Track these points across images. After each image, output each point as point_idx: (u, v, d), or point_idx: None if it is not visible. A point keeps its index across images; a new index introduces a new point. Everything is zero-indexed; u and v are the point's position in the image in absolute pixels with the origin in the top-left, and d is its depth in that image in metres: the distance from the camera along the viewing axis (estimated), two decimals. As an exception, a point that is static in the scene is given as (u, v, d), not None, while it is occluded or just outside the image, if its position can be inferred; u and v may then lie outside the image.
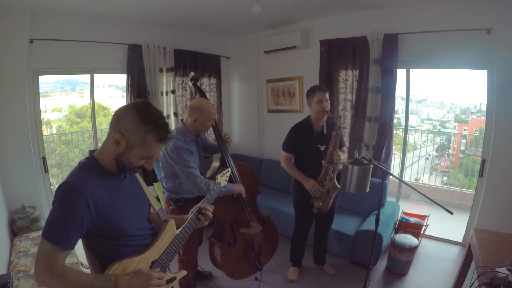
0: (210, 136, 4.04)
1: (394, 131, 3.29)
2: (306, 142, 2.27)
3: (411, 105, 3.66)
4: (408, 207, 3.67)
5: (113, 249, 1.03)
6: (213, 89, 4.26)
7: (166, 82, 3.60)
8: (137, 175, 1.20)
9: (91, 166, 1.01)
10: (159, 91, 3.57)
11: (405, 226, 2.89)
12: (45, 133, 4.61)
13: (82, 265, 2.13)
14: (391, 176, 2.72)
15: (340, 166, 2.00)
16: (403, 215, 3.09)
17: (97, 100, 3.50)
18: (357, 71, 3.17)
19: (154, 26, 3.55)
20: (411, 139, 5.41)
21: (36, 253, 0.92)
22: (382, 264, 2.72)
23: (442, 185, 4.82)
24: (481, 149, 2.93)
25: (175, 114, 3.75)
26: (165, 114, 3.65)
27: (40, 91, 3.06)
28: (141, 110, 0.99)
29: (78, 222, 0.91)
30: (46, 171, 3.06)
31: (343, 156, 2.23)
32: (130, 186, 1.13)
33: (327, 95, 2.21)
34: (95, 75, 3.31)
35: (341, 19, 3.28)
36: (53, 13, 2.86)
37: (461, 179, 4.78)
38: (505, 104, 2.54)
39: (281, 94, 4.01)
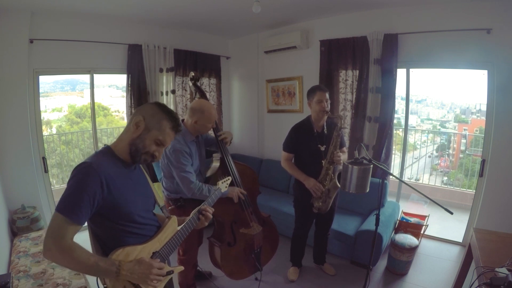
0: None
1: (394, 131, 3.29)
2: (307, 142, 2.27)
3: (411, 105, 3.66)
4: (408, 207, 3.67)
5: (117, 234, 1.09)
6: (213, 89, 4.26)
7: (166, 82, 3.60)
8: (145, 173, 1.29)
9: (106, 153, 1.11)
10: (159, 91, 3.57)
11: (405, 226, 2.89)
12: (45, 133, 4.62)
13: None
14: (391, 176, 2.71)
15: (340, 166, 2.00)
16: (403, 215, 3.09)
17: (97, 100, 3.50)
18: (357, 71, 3.17)
19: (154, 26, 3.56)
20: (411, 139, 5.40)
21: (48, 226, 0.96)
22: (382, 264, 2.72)
23: (442, 185, 4.82)
24: (481, 149, 2.93)
25: (175, 114, 3.75)
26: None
27: (40, 91, 3.06)
28: (160, 104, 1.19)
29: (91, 198, 0.97)
30: (46, 171, 3.06)
31: (343, 156, 2.23)
32: (139, 177, 1.22)
33: (327, 95, 2.21)
34: (95, 75, 3.31)
35: (341, 19, 3.28)
36: (53, 13, 2.86)
37: (461, 179, 4.78)
38: (505, 104, 2.54)
39: (281, 94, 4.01)
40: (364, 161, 1.62)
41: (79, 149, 4.99)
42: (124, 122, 4.69)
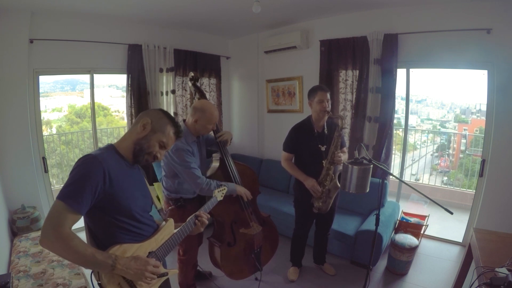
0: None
1: (394, 131, 3.29)
2: (307, 142, 2.27)
3: (411, 105, 3.66)
4: (408, 207, 3.67)
5: (114, 232, 1.10)
6: (213, 89, 4.26)
7: (166, 82, 3.60)
8: (144, 175, 1.32)
9: (109, 150, 1.15)
10: (159, 91, 3.57)
11: (405, 226, 2.89)
12: (45, 133, 4.62)
13: None
14: (391, 176, 2.71)
15: (341, 167, 2.00)
16: (403, 215, 3.09)
17: (97, 100, 3.50)
18: (357, 71, 3.17)
19: (154, 26, 3.56)
20: (411, 139, 5.40)
21: (47, 214, 0.97)
22: (382, 264, 2.72)
23: (442, 185, 4.82)
24: (481, 149, 2.93)
25: (175, 114, 3.75)
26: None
27: (40, 91, 3.06)
28: (164, 110, 1.27)
29: (93, 188, 0.99)
30: (46, 171, 3.06)
31: (344, 157, 2.23)
32: (139, 178, 1.25)
33: (328, 95, 2.21)
34: (95, 75, 3.31)
35: (341, 19, 3.28)
36: (53, 13, 2.86)
37: (461, 179, 4.78)
38: (505, 104, 2.54)
39: (281, 94, 4.01)
40: (364, 161, 1.62)
41: (79, 149, 4.99)
42: (124, 122, 4.69)
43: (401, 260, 2.53)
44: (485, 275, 1.31)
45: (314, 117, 2.27)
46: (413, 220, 2.98)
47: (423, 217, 3.02)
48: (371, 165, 1.62)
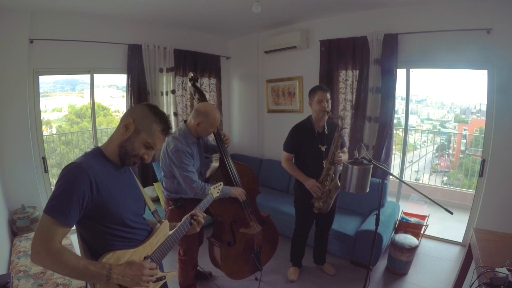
0: (210, 136, 4.03)
1: (394, 131, 3.28)
2: (307, 142, 2.27)
3: (411, 105, 3.66)
4: (408, 207, 3.67)
5: (106, 238, 1.05)
6: (213, 89, 4.26)
7: (166, 82, 3.60)
8: (135, 176, 1.26)
9: (96, 154, 1.09)
10: (159, 91, 3.57)
11: (405, 226, 2.89)
12: (45, 133, 4.61)
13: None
14: (391, 176, 2.71)
15: (341, 167, 2.00)
16: (403, 215, 3.09)
17: (97, 100, 3.50)
18: (357, 71, 3.17)
19: (154, 26, 3.56)
20: (411, 139, 5.40)
21: (36, 228, 0.94)
22: (382, 264, 2.72)
23: (442, 185, 4.82)
24: (481, 149, 2.93)
25: (175, 114, 3.75)
26: (165, 114, 3.66)
27: (40, 91, 3.06)
28: (151, 105, 1.15)
29: (80, 199, 0.95)
30: (46, 171, 3.06)
31: (344, 157, 2.23)
32: (129, 181, 1.19)
33: (328, 95, 2.21)
34: (95, 75, 3.31)
35: (341, 19, 3.28)
36: (53, 13, 2.86)
37: (461, 179, 4.78)
38: (505, 104, 2.53)
39: (281, 94, 4.01)
40: (364, 161, 1.62)
41: (79, 149, 4.99)
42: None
43: (401, 260, 2.53)
44: (485, 275, 1.31)
45: (314, 117, 2.27)
46: (413, 220, 2.98)
47: (423, 217, 3.02)
48: (371, 165, 1.62)
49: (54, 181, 4.48)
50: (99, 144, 1.14)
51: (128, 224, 1.11)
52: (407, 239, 2.56)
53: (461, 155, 5.19)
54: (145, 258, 1.12)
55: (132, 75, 3.38)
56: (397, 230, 2.90)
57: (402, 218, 3.04)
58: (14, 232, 2.62)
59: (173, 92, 3.68)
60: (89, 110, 3.48)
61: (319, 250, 2.65)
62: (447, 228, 3.43)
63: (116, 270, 0.99)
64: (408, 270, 2.60)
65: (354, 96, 3.24)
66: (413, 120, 6.29)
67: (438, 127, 6.68)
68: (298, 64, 3.74)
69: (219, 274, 2.45)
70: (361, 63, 3.10)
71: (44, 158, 3.04)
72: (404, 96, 3.21)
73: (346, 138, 3.29)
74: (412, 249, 2.50)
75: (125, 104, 3.48)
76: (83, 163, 0.99)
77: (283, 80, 3.93)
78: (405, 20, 2.88)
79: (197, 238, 2.22)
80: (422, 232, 2.90)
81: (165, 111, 3.62)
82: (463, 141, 5.28)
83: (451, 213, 1.47)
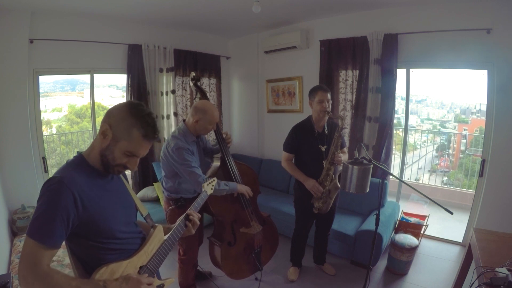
0: (210, 136, 4.04)
1: (394, 131, 3.28)
2: (307, 142, 2.27)
3: (411, 105, 3.66)
4: (408, 207, 3.67)
5: (98, 253, 0.99)
6: (213, 89, 4.27)
7: (166, 82, 3.60)
8: (124, 180, 1.17)
9: (78, 164, 0.99)
10: (159, 91, 3.57)
11: (405, 226, 2.89)
12: (45, 133, 4.61)
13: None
14: (391, 176, 2.71)
15: (341, 167, 2.00)
16: (403, 215, 3.09)
17: (97, 100, 3.50)
18: (357, 71, 3.17)
19: (154, 26, 3.56)
20: (411, 139, 5.40)
21: (21, 253, 0.86)
22: (382, 264, 2.72)
23: (442, 185, 4.82)
24: (481, 149, 2.93)
25: (175, 114, 3.76)
26: (165, 114, 3.65)
27: (40, 91, 3.06)
28: (131, 105, 1.00)
29: (65, 218, 0.87)
30: (46, 171, 3.06)
31: (344, 157, 2.23)
32: (117, 188, 1.10)
33: (328, 95, 2.21)
34: (95, 75, 3.31)
35: (341, 19, 3.28)
36: (53, 13, 2.86)
37: (461, 179, 4.78)
38: (505, 104, 2.53)
39: (281, 94, 4.01)
40: (364, 161, 1.62)
41: (79, 149, 4.99)
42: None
43: (401, 260, 2.53)
44: (485, 275, 1.31)
45: (314, 117, 2.27)
46: (413, 220, 2.98)
47: (423, 217, 3.02)
48: (371, 165, 1.62)
49: (54, 181, 4.48)
50: None
51: (119, 236, 1.03)
52: (407, 239, 2.56)
53: (461, 155, 5.19)
54: (140, 268, 1.06)
55: (132, 75, 3.38)
56: (397, 230, 2.90)
57: (402, 218, 3.04)
58: (14, 232, 2.62)
59: (173, 92, 3.68)
60: (89, 110, 3.48)
61: (319, 250, 2.65)
62: (447, 228, 3.43)
63: (111, 286, 0.92)
64: (408, 270, 2.60)
65: (354, 96, 3.24)
66: (413, 120, 6.29)
67: (438, 127, 6.68)
68: (298, 64, 3.74)
69: (219, 274, 2.45)
70: (361, 63, 3.10)
71: (44, 158, 3.04)
72: (404, 96, 3.21)
73: (346, 138, 3.29)
74: (412, 249, 2.51)
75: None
76: (65, 177, 0.90)
77: (283, 80, 3.93)
78: (405, 20, 2.88)
79: (197, 238, 2.22)
80: (422, 232, 2.90)
81: (165, 111, 3.63)
82: (463, 141, 5.28)
83: (451, 213, 1.48)
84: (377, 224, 1.72)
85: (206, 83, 4.17)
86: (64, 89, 6.12)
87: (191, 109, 1.99)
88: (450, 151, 5.59)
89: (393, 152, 3.37)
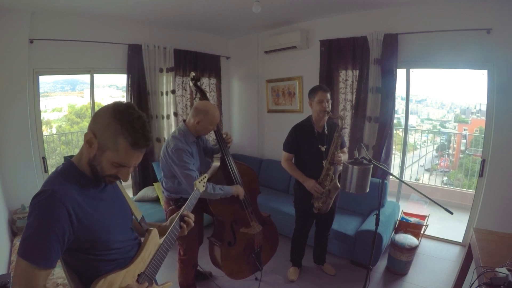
0: (210, 136, 4.04)
1: (394, 131, 3.29)
2: (307, 142, 2.27)
3: (411, 105, 3.66)
4: (408, 207, 3.67)
5: (95, 265, 0.93)
6: (213, 89, 4.27)
7: (166, 82, 3.60)
8: (118, 183, 1.11)
9: (69, 172, 0.90)
10: (159, 91, 3.57)
11: (405, 226, 2.89)
12: (45, 133, 4.62)
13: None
14: (391, 176, 2.71)
15: (341, 167, 2.00)
16: (403, 215, 3.09)
17: (97, 100, 3.50)
18: (357, 71, 3.17)
19: (154, 26, 3.56)
20: (411, 139, 5.40)
21: (14, 273, 0.80)
22: (382, 264, 2.72)
23: (442, 185, 4.82)
24: (481, 149, 2.93)
25: (175, 114, 3.76)
26: (165, 114, 3.64)
27: (40, 91, 3.06)
28: (117, 109, 0.88)
29: (60, 236, 0.80)
30: (46, 171, 3.06)
31: (344, 157, 2.23)
32: (112, 195, 1.04)
33: (328, 95, 2.21)
34: (95, 75, 3.31)
35: (341, 19, 3.28)
36: (53, 13, 2.86)
37: (461, 179, 4.78)
38: (505, 104, 2.53)
39: (281, 94, 4.01)
40: (364, 161, 1.62)
41: (79, 149, 4.98)
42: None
43: (401, 260, 2.53)
44: (485, 275, 1.31)
45: (314, 117, 2.27)
46: (413, 220, 2.97)
47: (423, 217, 3.02)
48: (371, 165, 1.62)
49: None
50: None
51: (116, 246, 0.98)
52: (407, 239, 2.56)
53: (461, 155, 5.19)
54: (139, 276, 1.02)
55: (132, 75, 3.38)
56: (397, 230, 2.90)
57: (402, 218, 3.04)
58: (14, 232, 2.62)
59: (173, 92, 3.68)
60: (89, 110, 3.48)
61: (319, 250, 2.65)
62: (447, 228, 3.43)
63: None
64: (408, 270, 2.60)
65: (354, 96, 3.24)
66: (413, 120, 6.29)
67: (438, 127, 6.68)
68: (298, 64, 3.74)
69: (219, 274, 2.45)
70: (361, 63, 3.10)
71: (44, 158, 3.04)
72: (404, 96, 3.21)
73: (346, 138, 3.29)
74: (412, 249, 2.51)
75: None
76: (57, 191, 0.82)
77: (283, 80, 3.93)
78: (405, 20, 2.88)
79: (197, 238, 2.23)
80: (422, 232, 2.90)
81: (165, 111, 3.63)
82: (463, 141, 5.29)
83: (451, 213, 1.47)
84: (377, 224, 1.72)
85: (206, 83, 4.18)
86: (64, 89, 6.13)
87: (192, 110, 1.99)
88: (450, 151, 5.59)
89: (393, 152, 3.37)
